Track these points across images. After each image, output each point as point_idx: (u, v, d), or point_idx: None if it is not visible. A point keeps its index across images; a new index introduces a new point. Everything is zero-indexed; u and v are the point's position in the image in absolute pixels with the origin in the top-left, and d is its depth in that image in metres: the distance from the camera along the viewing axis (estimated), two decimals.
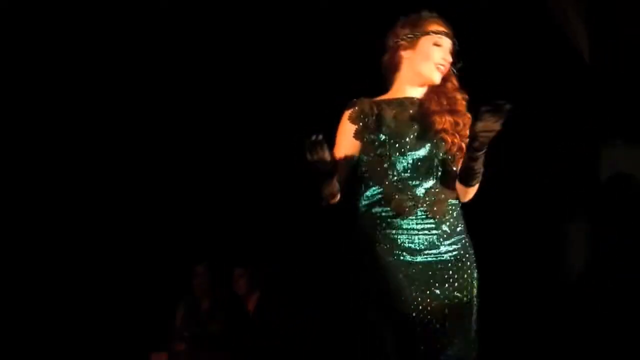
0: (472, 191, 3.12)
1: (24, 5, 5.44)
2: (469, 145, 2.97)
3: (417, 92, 3.17)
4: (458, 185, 3.11)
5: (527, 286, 5.10)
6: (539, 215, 5.09)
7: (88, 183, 6.22)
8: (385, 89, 3.21)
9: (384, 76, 3.21)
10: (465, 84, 3.19)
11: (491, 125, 2.84)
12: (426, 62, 3.12)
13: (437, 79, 3.14)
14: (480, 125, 2.86)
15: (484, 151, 2.95)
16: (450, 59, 3.14)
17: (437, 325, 2.94)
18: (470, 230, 4.59)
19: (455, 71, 3.18)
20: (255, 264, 6.10)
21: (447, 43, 3.14)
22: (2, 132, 5.94)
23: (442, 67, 3.13)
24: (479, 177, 3.05)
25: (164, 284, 6.24)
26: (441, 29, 3.14)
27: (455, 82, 3.16)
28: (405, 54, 3.14)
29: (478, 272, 3.07)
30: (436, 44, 3.13)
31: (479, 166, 3.00)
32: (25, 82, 5.84)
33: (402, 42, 3.14)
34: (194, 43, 5.81)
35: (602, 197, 4.91)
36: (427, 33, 3.12)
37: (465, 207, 4.22)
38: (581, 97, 4.91)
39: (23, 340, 5.99)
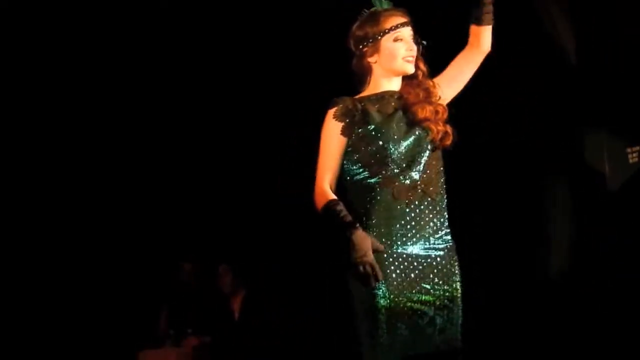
0: (487, 33, 3.16)
1: (24, 5, 5.46)
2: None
3: (394, 85, 3.16)
4: (475, 30, 3.16)
5: (523, 286, 5.09)
6: (530, 213, 5.09)
7: (74, 184, 6.21)
8: (359, 89, 3.18)
9: (357, 79, 3.20)
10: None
11: None
12: (394, 60, 3.10)
13: (410, 69, 3.13)
14: None
15: None
16: (414, 47, 3.12)
17: (427, 319, 2.97)
18: (461, 229, 4.59)
19: (422, 51, 3.15)
20: (240, 261, 6.08)
21: (407, 32, 3.11)
22: None
23: (411, 59, 3.11)
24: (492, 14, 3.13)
25: (149, 281, 6.24)
26: (397, 21, 3.11)
27: (424, 69, 3.15)
28: (372, 60, 3.12)
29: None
30: (397, 39, 3.10)
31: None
32: (25, 82, 5.85)
33: (365, 50, 3.12)
34: (192, 43, 5.82)
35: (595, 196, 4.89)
36: (385, 32, 3.09)
37: (459, 207, 4.22)
38: (566, 88, 4.90)
39: (9, 339, 5.98)
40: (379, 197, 3.01)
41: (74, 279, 6.16)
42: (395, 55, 3.09)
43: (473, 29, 3.16)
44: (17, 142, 6.00)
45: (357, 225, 2.93)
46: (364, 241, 2.88)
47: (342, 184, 3.11)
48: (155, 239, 6.31)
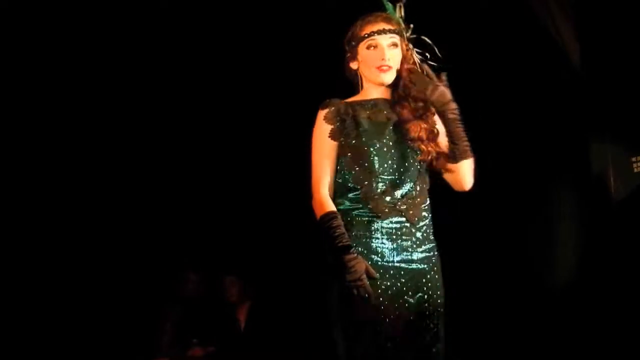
0: (466, 168, 3.06)
1: (24, 5, 5.45)
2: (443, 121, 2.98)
3: (384, 92, 3.12)
4: (452, 167, 3.06)
5: (522, 287, 5.09)
6: (531, 214, 5.09)
7: (77, 193, 6.17)
8: (354, 93, 3.18)
9: (352, 83, 3.19)
10: (456, 87, 3.14)
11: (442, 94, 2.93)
12: (368, 68, 3.06)
13: (384, 80, 3.07)
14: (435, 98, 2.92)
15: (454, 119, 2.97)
16: (389, 56, 3.05)
17: (409, 333, 2.95)
18: (462, 230, 4.58)
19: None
20: (247, 272, 6.05)
21: (383, 40, 3.05)
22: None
23: (384, 68, 3.05)
24: (466, 150, 3.03)
25: (154, 291, 6.22)
26: (372, 28, 3.05)
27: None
28: (353, 66, 3.12)
29: (444, 278, 3.10)
30: (370, 47, 3.05)
31: (459, 138, 2.99)
32: (25, 82, 5.84)
33: (348, 55, 3.10)
34: (192, 44, 5.82)
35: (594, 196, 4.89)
36: (360, 39, 3.05)
37: (461, 208, 4.22)
38: (572, 97, 4.90)
39: (8, 347, 5.94)
40: (359, 209, 2.99)
41: (78, 289, 6.12)
42: (367, 63, 3.05)
43: (449, 167, 3.08)
44: (18, 146, 5.97)
45: (352, 246, 2.89)
46: (359, 264, 2.85)
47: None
48: (160, 248, 6.28)
